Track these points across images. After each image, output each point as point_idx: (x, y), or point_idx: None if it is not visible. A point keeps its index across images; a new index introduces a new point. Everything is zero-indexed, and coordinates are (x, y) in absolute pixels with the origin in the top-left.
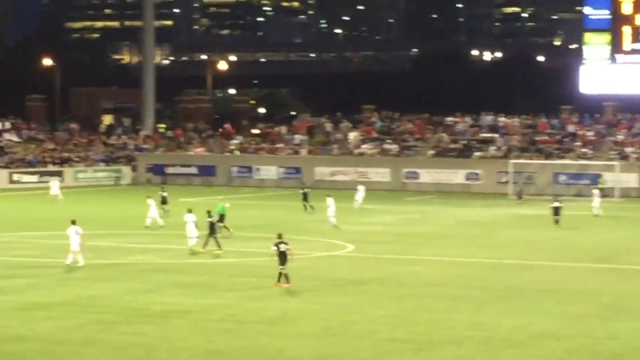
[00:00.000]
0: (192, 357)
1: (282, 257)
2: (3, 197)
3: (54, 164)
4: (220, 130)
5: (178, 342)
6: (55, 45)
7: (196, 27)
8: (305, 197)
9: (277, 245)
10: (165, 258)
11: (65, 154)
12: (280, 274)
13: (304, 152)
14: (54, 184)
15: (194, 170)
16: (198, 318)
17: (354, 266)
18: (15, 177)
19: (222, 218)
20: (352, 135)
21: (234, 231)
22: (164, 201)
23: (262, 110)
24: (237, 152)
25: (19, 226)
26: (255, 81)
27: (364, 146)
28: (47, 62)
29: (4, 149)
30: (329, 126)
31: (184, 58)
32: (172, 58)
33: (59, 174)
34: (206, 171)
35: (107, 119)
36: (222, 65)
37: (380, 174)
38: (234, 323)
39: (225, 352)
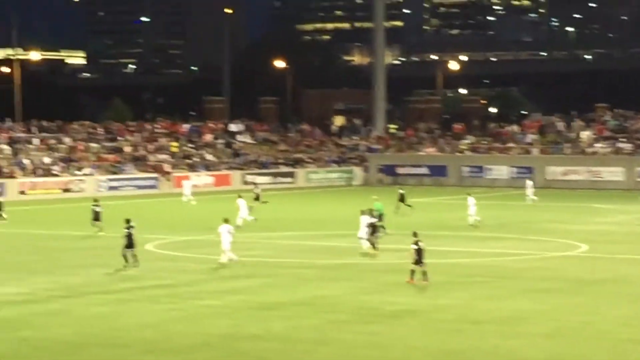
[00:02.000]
0: (425, 356)
1: (419, 255)
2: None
3: (287, 165)
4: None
5: (411, 341)
6: (287, 47)
7: (426, 27)
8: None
9: (416, 243)
10: (395, 258)
11: (298, 155)
12: (412, 271)
13: (535, 151)
14: (187, 184)
15: (424, 170)
16: (430, 318)
17: (587, 266)
18: (249, 178)
19: (380, 217)
20: (585, 134)
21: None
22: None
23: (493, 109)
24: (468, 152)
25: (253, 227)
26: (485, 80)
27: (597, 145)
28: (279, 64)
29: (237, 151)
30: (560, 125)
31: (414, 58)
32: (402, 58)
33: (291, 174)
34: (437, 171)
35: (339, 120)
36: (453, 65)
37: (614, 173)
38: (467, 323)
39: (458, 352)
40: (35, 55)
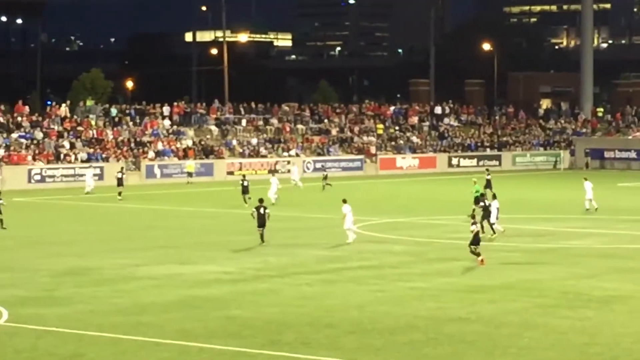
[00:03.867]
0: (634, 343)
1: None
2: (442, 181)
3: (492, 148)
4: None
5: (619, 327)
6: (494, 29)
7: (635, 9)
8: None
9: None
10: (603, 243)
11: (504, 139)
12: (478, 253)
13: None
14: (294, 169)
15: (632, 154)
16: (639, 304)
17: None
18: (454, 160)
19: (478, 199)
20: None
21: None
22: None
23: None
24: None
25: (457, 209)
26: None
27: None
28: (486, 46)
29: (442, 134)
30: None
31: (623, 41)
32: (610, 41)
33: (497, 157)
34: None
35: (545, 103)
36: None
37: None
38: None
39: None
40: (243, 37)
